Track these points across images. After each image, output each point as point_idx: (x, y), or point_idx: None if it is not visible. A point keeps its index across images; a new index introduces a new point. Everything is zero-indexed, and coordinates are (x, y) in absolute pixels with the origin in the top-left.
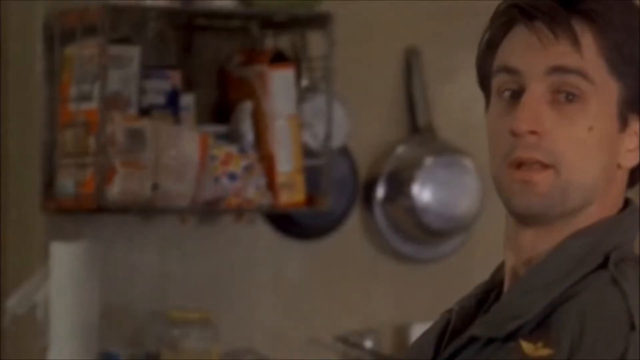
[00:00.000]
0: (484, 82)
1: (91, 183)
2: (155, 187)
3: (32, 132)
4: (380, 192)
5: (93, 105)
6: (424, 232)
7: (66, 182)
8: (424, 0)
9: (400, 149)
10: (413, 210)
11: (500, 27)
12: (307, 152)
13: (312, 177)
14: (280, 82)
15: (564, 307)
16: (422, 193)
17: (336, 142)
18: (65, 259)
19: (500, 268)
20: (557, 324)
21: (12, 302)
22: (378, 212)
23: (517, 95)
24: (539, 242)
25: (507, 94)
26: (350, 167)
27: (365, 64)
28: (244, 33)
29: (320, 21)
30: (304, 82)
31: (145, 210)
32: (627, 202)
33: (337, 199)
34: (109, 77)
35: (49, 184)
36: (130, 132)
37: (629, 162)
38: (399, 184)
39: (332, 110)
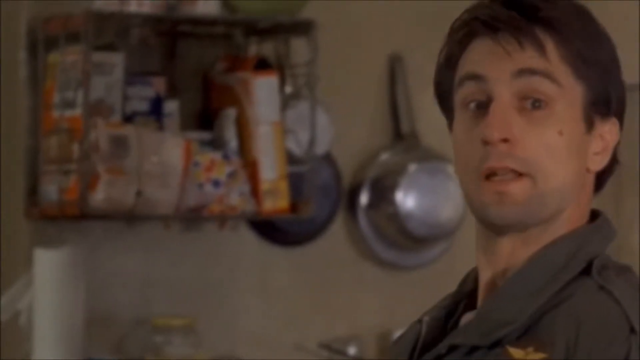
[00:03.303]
0: (444, 99)
1: (75, 189)
2: (139, 193)
3: (15, 139)
4: (363, 198)
5: (76, 112)
6: (408, 239)
7: (50, 189)
8: (407, 7)
9: (384, 156)
10: (397, 217)
11: (459, 42)
12: (291, 159)
13: (296, 184)
14: (263, 89)
15: (553, 312)
16: (406, 199)
17: (320, 148)
18: (48, 266)
19: (467, 279)
20: (549, 329)
21: None
22: (362, 218)
23: (483, 105)
24: (516, 251)
25: (472, 105)
26: (333, 174)
27: (348, 70)
28: (228, 40)
29: (304, 28)
30: (288, 89)
31: (129, 216)
32: (593, 212)
33: (320, 205)
34: (92, 84)
35: (32, 191)
36: (114, 139)
37: (596, 165)
38: (383, 191)
39: (315, 116)
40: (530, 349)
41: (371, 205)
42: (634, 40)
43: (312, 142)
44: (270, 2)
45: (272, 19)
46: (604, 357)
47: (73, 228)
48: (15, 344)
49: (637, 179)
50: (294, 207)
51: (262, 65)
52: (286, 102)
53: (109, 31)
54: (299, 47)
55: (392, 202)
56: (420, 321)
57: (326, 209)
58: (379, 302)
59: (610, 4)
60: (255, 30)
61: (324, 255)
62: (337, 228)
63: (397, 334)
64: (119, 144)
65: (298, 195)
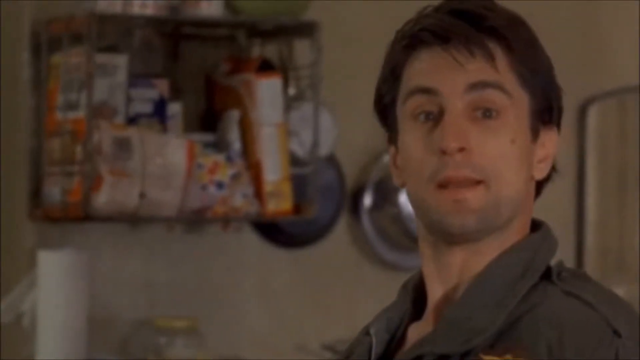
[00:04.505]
0: (386, 111)
1: (78, 191)
2: (142, 195)
3: (18, 140)
4: (367, 200)
5: (80, 113)
6: (411, 240)
7: (53, 190)
8: (411, 8)
9: (387, 157)
10: (400, 218)
11: (403, 53)
12: (294, 161)
13: (299, 185)
14: (267, 91)
15: (527, 319)
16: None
17: (323, 150)
18: (52, 268)
19: (407, 286)
20: (527, 336)
21: None
22: (365, 220)
23: (432, 117)
24: (469, 262)
25: (422, 116)
26: (337, 175)
27: (351, 71)
28: (231, 41)
29: (307, 29)
30: (291, 91)
31: (132, 218)
32: (532, 220)
33: (324, 207)
34: (95, 86)
35: (36, 192)
36: (117, 141)
37: (540, 173)
38: (386, 192)
39: (319, 118)
40: (508, 356)
41: (374, 206)
42: (634, 40)
43: (315, 144)
44: (273, 4)
45: (275, 21)
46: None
47: (76, 230)
48: (18, 345)
49: (637, 179)
50: (297, 208)
51: (265, 66)
52: (289, 103)
53: (112, 33)
54: (302, 49)
55: (395, 203)
56: (368, 334)
57: (329, 211)
58: (381, 303)
59: (610, 4)
60: (259, 31)
61: (327, 256)
62: (341, 230)
63: None
64: (122, 146)
65: (301, 197)
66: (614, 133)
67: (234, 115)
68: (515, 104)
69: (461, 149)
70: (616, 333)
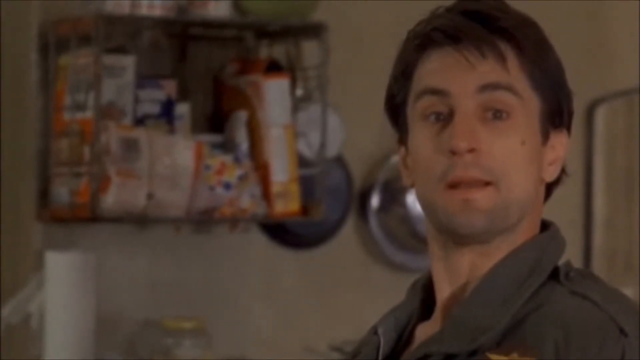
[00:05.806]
0: (396, 111)
1: (86, 192)
2: (149, 196)
3: (26, 141)
4: (374, 201)
5: (87, 114)
6: (419, 241)
7: (61, 191)
8: (418, 9)
9: (395, 158)
10: (408, 219)
11: (415, 53)
12: (302, 162)
13: (307, 187)
14: (274, 92)
15: (533, 318)
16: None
17: (331, 151)
18: (60, 268)
19: (415, 286)
20: (533, 335)
21: (6, 312)
22: (373, 221)
23: (443, 118)
24: (477, 263)
25: (432, 117)
26: (345, 176)
27: (359, 72)
28: (239, 42)
29: (314, 30)
30: (299, 92)
31: (140, 219)
32: (543, 222)
33: (331, 208)
34: (103, 87)
35: (43, 193)
36: (125, 142)
37: (550, 175)
38: (394, 193)
39: (326, 119)
40: (514, 355)
41: (382, 207)
42: (634, 40)
43: (323, 145)
44: (281, 5)
45: (283, 22)
46: (598, 359)
47: (84, 230)
48: (26, 346)
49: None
50: (304, 209)
51: (273, 67)
52: (297, 104)
53: (120, 34)
54: (309, 50)
55: (403, 204)
56: (376, 333)
57: (337, 212)
58: (389, 304)
59: (618, 5)
60: (266, 32)
61: (335, 257)
62: (348, 230)
63: None
64: (130, 147)
65: (309, 198)
66: (621, 134)
67: (242, 116)
68: (526, 105)
69: (471, 150)
70: (622, 332)
